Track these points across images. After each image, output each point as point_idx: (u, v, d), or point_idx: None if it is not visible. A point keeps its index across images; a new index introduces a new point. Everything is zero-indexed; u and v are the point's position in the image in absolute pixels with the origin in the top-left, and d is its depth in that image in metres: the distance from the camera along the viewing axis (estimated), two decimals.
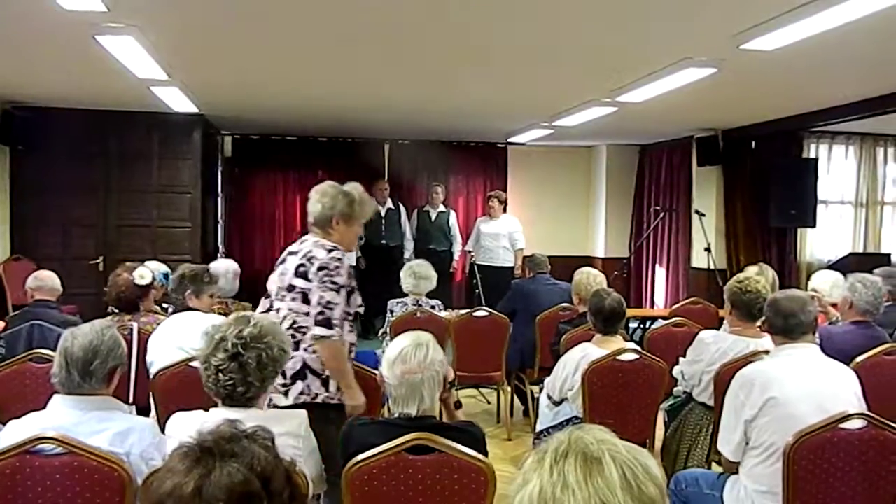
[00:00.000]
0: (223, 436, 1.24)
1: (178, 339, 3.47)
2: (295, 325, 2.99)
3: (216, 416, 2.13)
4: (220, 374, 2.22)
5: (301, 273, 3.03)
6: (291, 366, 2.94)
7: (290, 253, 3.18)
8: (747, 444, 2.74)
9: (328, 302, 2.96)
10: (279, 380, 2.87)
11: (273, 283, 3.17)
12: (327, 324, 2.94)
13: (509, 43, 4.34)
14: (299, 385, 2.99)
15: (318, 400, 2.99)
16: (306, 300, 3.00)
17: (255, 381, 2.22)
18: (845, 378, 2.81)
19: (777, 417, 2.64)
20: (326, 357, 2.99)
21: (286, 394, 2.97)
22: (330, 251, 3.03)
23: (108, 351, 2.35)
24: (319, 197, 3.18)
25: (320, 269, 2.98)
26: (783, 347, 2.88)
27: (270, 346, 2.26)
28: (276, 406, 2.87)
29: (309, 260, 3.03)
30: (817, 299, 4.28)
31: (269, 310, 3.16)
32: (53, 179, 6.99)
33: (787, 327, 2.85)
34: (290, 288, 3.05)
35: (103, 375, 2.34)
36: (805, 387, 2.68)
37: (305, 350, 3.00)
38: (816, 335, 2.95)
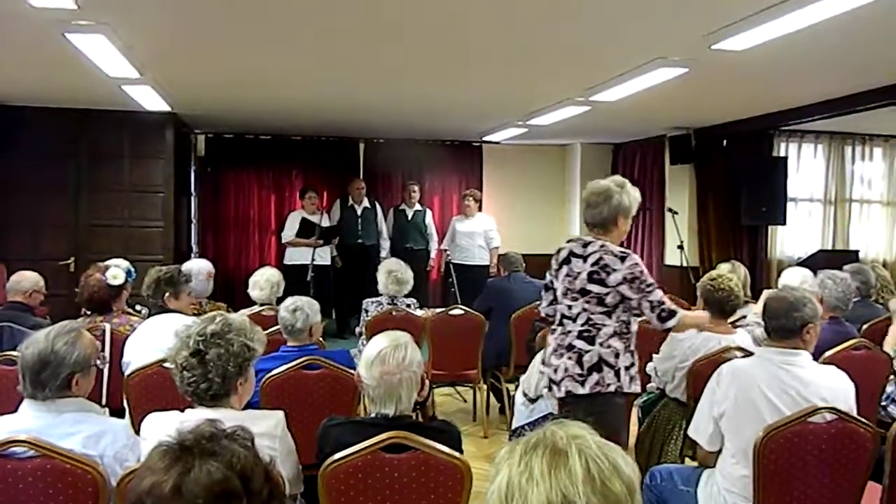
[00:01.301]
0: (203, 434, 1.24)
1: (157, 340, 3.42)
2: (590, 322, 3.18)
3: (192, 416, 2.12)
4: (185, 372, 2.21)
5: (596, 280, 3.15)
6: (588, 359, 3.16)
7: (573, 254, 3.23)
8: (722, 439, 2.77)
9: (657, 301, 3.17)
10: (576, 370, 3.16)
11: (559, 282, 3.28)
12: (670, 315, 3.17)
13: (484, 42, 4.36)
14: (595, 377, 3.16)
15: (610, 389, 3.16)
16: (601, 302, 3.16)
17: (216, 378, 2.20)
18: (827, 389, 2.68)
19: (745, 418, 2.65)
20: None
21: (583, 384, 3.15)
22: (623, 259, 3.14)
23: (59, 360, 2.25)
24: (604, 199, 3.21)
25: (632, 280, 3.13)
26: (767, 350, 2.85)
27: (231, 343, 2.23)
28: (572, 394, 3.15)
29: (603, 269, 3.14)
30: None
31: (552, 302, 3.34)
32: (23, 179, 6.87)
33: (769, 329, 2.85)
34: (584, 292, 3.18)
35: (57, 384, 2.25)
36: (774, 393, 2.66)
37: (601, 345, 3.17)
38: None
